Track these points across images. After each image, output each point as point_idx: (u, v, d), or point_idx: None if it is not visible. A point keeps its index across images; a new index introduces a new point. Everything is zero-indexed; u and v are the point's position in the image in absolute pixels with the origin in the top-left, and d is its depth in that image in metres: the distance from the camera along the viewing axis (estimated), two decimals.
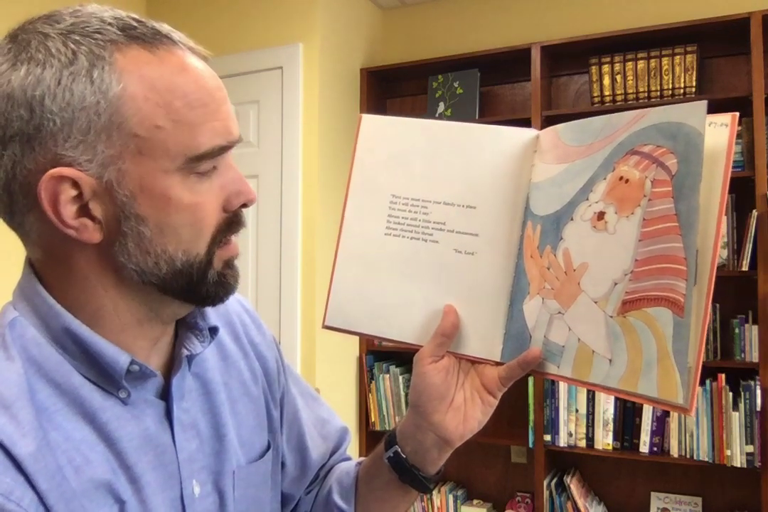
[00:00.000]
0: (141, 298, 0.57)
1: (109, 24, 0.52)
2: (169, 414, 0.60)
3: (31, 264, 0.58)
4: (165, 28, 0.55)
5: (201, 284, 0.57)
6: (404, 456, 0.70)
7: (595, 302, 0.59)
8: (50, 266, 0.56)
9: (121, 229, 0.53)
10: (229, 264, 0.59)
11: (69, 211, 0.52)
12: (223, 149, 0.55)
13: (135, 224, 0.53)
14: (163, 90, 0.52)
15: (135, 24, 0.53)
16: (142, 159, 0.52)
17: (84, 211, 0.53)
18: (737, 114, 0.55)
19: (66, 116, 0.50)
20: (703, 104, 0.54)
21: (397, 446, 0.71)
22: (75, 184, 0.51)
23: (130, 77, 0.51)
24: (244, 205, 0.59)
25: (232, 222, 0.58)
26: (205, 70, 0.55)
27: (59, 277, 0.56)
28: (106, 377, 0.56)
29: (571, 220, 0.62)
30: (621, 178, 0.58)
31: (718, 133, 0.55)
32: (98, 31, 0.51)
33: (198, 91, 0.53)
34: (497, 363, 0.67)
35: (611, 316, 0.58)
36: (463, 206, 0.68)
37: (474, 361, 0.68)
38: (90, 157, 0.51)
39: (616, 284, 0.58)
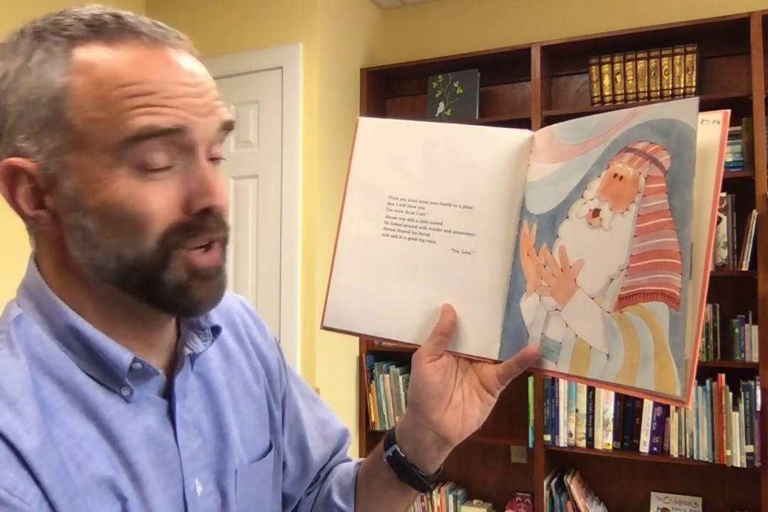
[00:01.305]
0: (114, 299, 0.57)
1: (80, 19, 0.53)
2: (171, 413, 0.60)
3: (35, 260, 0.59)
4: (138, 21, 0.54)
5: (156, 286, 0.55)
6: (403, 455, 0.70)
7: (592, 298, 0.59)
8: (41, 258, 0.58)
9: (70, 221, 0.54)
10: (198, 274, 0.55)
11: (25, 201, 0.54)
12: (164, 132, 0.52)
13: (81, 217, 0.53)
14: (105, 82, 0.52)
15: (107, 19, 0.53)
16: (81, 152, 0.52)
17: (40, 202, 0.54)
18: (729, 111, 0.55)
19: (21, 109, 0.52)
20: (695, 101, 0.54)
21: (396, 445, 0.71)
22: (30, 175, 0.53)
23: (77, 72, 0.52)
24: (208, 211, 0.55)
25: (191, 225, 0.54)
26: (170, 64, 0.53)
27: (49, 271, 0.57)
28: (108, 375, 0.56)
29: (567, 217, 0.62)
30: (615, 175, 0.59)
31: (711, 129, 0.55)
32: (66, 27, 0.53)
33: (145, 82, 0.52)
34: (495, 362, 0.67)
35: (608, 312, 0.58)
36: (460, 206, 0.68)
37: (472, 360, 0.68)
38: (38, 149, 0.52)
39: (612, 280, 0.58)
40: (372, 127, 0.73)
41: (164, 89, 0.52)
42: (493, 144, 0.68)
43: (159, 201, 0.53)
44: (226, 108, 0.58)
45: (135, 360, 0.56)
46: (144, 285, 0.55)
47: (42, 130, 0.52)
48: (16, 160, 0.52)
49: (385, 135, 0.72)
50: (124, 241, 0.53)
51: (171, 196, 0.54)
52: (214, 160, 0.57)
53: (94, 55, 0.52)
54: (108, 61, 0.52)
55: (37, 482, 0.49)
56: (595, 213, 0.60)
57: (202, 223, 0.55)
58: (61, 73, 0.52)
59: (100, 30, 0.53)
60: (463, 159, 0.69)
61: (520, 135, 0.68)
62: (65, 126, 0.52)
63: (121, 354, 0.55)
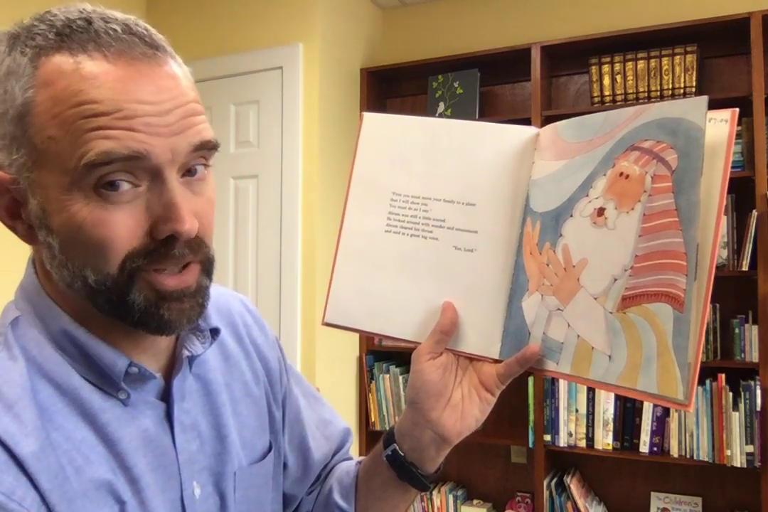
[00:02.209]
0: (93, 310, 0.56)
1: (53, 27, 0.51)
2: (169, 416, 0.60)
3: (33, 262, 0.59)
4: (111, 30, 0.51)
5: (124, 307, 0.53)
6: (402, 453, 0.70)
7: (595, 298, 0.59)
8: (40, 265, 0.58)
9: (39, 238, 0.54)
10: (166, 297, 0.54)
11: (4, 211, 0.54)
12: (127, 159, 0.49)
13: (46, 235, 0.53)
14: (63, 100, 0.49)
15: (79, 26, 0.51)
16: (43, 171, 0.51)
17: (18, 214, 0.54)
18: (737, 110, 0.54)
19: None
20: (703, 100, 0.54)
21: (395, 444, 0.71)
22: (6, 187, 0.52)
23: (39, 87, 0.50)
24: (174, 237, 0.52)
25: (156, 250, 0.52)
26: (129, 81, 0.50)
27: (45, 277, 0.57)
28: (105, 379, 0.56)
29: (571, 216, 0.62)
30: (621, 174, 0.58)
31: (718, 128, 0.55)
32: (36, 35, 0.51)
33: (103, 101, 0.49)
34: (496, 361, 0.67)
35: (611, 312, 0.58)
36: (462, 203, 0.68)
37: (472, 358, 0.68)
38: (9, 163, 0.52)
39: (615, 280, 0.58)
40: (377, 123, 0.73)
41: (121, 109, 0.49)
42: (498, 141, 0.68)
43: (121, 226, 0.51)
44: (207, 124, 0.54)
45: (131, 364, 0.56)
46: (112, 307, 0.53)
47: (11, 145, 0.51)
48: None
49: (390, 130, 0.72)
50: (86, 264, 0.52)
51: (135, 221, 0.51)
52: (192, 173, 0.55)
53: (56, 68, 0.50)
54: (67, 75, 0.49)
55: (36, 486, 0.49)
56: (600, 212, 0.59)
57: (167, 249, 0.52)
58: (24, 87, 0.50)
59: (67, 39, 0.50)
60: (467, 155, 0.68)
61: (525, 132, 0.68)
62: (28, 143, 0.50)
63: (116, 359, 0.55)
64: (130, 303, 0.53)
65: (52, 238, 0.52)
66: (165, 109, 0.51)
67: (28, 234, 0.55)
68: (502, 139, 0.68)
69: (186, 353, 0.62)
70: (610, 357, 0.58)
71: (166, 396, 0.60)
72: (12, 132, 0.51)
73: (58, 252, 0.53)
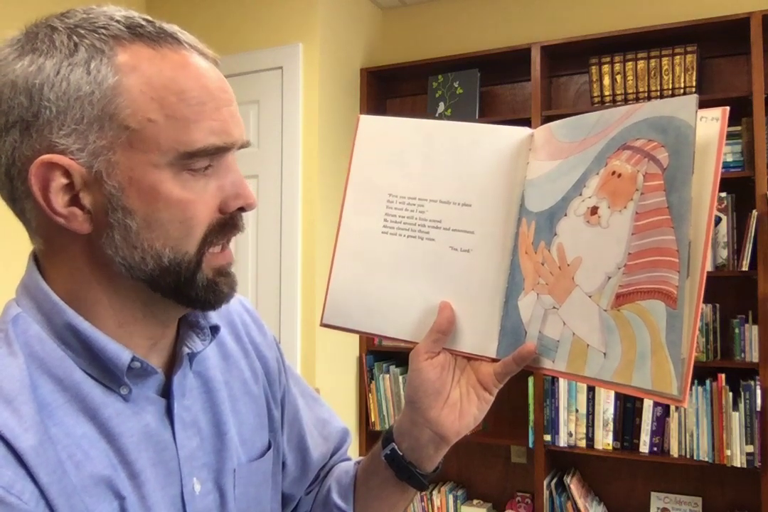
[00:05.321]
0: (134, 295, 0.57)
1: (116, 21, 0.53)
2: (170, 412, 0.60)
3: (35, 259, 0.59)
4: (173, 28, 0.55)
5: (189, 286, 0.56)
6: (401, 453, 0.70)
7: (589, 296, 0.59)
8: (50, 257, 0.57)
9: (108, 220, 0.54)
10: (221, 272, 0.59)
11: (59, 198, 0.53)
12: (220, 149, 0.55)
13: (122, 216, 0.53)
14: (159, 85, 0.52)
15: (143, 23, 0.54)
16: (132, 151, 0.52)
17: (75, 200, 0.53)
18: (727, 108, 0.55)
19: (62, 104, 0.51)
20: (693, 98, 0.54)
21: (393, 443, 0.71)
22: (66, 172, 0.52)
23: (127, 71, 0.52)
24: (242, 209, 0.58)
25: (226, 224, 0.58)
26: (208, 70, 0.55)
27: (58, 269, 0.57)
28: (107, 373, 0.56)
29: (565, 215, 0.62)
30: (613, 173, 0.59)
31: (709, 126, 0.55)
32: (104, 26, 0.52)
33: (197, 89, 0.53)
34: (493, 360, 0.67)
35: (605, 310, 0.58)
36: (458, 204, 0.68)
37: (470, 358, 0.68)
38: (81, 146, 0.52)
39: (609, 278, 0.58)
40: (372, 125, 0.73)
41: (214, 98, 0.54)
42: (493, 142, 0.68)
43: (202, 206, 0.55)
44: None
45: (134, 359, 0.56)
46: (176, 285, 0.56)
47: (89, 128, 0.52)
48: (56, 157, 0.51)
49: (386, 132, 0.72)
50: (166, 243, 0.54)
51: (211, 199, 0.56)
52: None
53: (140, 56, 0.52)
54: (156, 63, 0.52)
55: (34, 480, 0.49)
56: (594, 210, 0.60)
57: (233, 220, 0.58)
58: (112, 72, 0.51)
59: (139, 32, 0.53)
60: (462, 156, 0.69)
61: (520, 132, 0.68)
62: (118, 125, 0.52)
63: (119, 352, 0.55)
64: (196, 282, 0.56)
65: (131, 219, 0.53)
66: (231, 100, 0.57)
67: (83, 220, 0.54)
68: (497, 139, 0.68)
69: (186, 350, 0.63)
70: (605, 354, 0.58)
71: (166, 393, 0.61)
72: (95, 114, 0.51)
73: (134, 233, 0.54)
